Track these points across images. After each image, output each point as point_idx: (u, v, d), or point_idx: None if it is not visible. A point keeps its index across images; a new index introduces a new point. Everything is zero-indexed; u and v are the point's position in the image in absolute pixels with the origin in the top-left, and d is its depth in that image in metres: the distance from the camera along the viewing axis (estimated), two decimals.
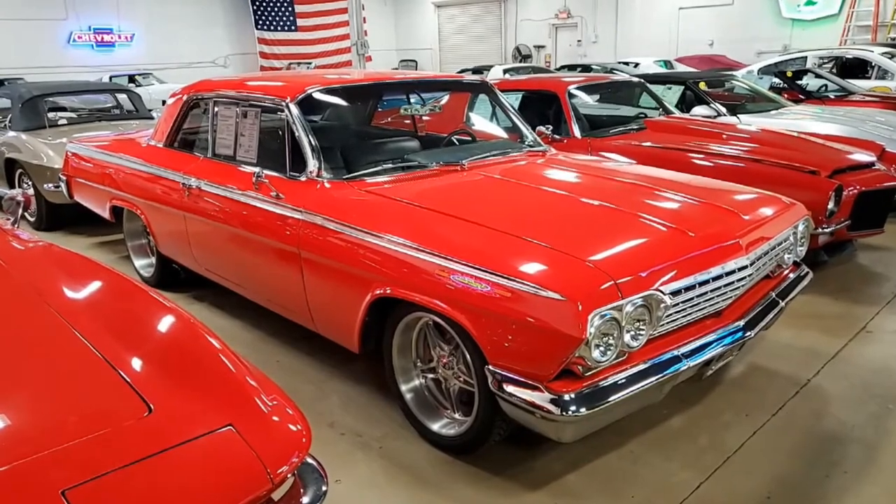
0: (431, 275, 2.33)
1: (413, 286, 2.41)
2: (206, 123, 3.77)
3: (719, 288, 2.39)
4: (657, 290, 2.16)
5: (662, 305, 2.16)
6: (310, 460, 1.59)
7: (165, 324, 1.95)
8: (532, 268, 2.15)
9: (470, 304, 2.21)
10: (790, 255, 2.90)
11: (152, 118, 6.73)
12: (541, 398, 2.07)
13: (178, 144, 4.08)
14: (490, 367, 2.19)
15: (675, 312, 2.27)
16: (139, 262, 4.61)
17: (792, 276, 2.96)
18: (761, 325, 2.57)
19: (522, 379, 2.12)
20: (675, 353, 2.28)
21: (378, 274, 2.53)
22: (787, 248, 2.85)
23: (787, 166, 4.16)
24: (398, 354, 2.69)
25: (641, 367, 2.19)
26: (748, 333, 2.48)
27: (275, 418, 1.54)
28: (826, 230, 3.93)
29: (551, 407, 2.04)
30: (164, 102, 4.33)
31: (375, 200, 2.83)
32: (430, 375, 2.67)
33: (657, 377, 2.20)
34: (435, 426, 2.62)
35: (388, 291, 2.50)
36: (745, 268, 2.45)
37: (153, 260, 4.44)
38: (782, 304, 2.75)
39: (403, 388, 2.71)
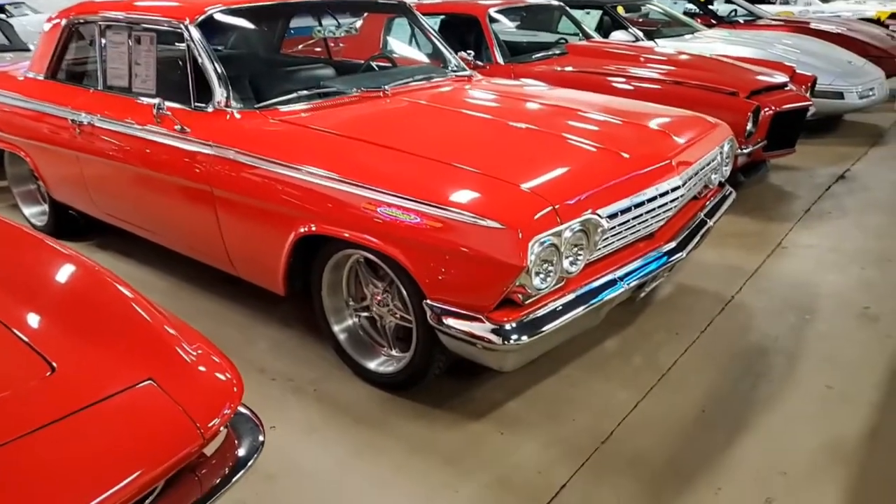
0: (358, 208, 2.18)
1: (340, 222, 2.26)
2: (94, 52, 3.37)
3: (654, 209, 2.37)
4: (595, 213, 2.11)
5: (600, 229, 2.12)
6: (243, 410, 1.48)
7: (65, 274, 1.75)
8: (466, 196, 2.05)
9: (403, 237, 2.09)
10: (716, 176, 2.93)
11: (29, 50, 6.01)
12: (482, 329, 2.01)
13: (62, 76, 3.65)
14: (428, 301, 2.11)
15: (612, 236, 2.24)
16: (29, 211, 4.18)
17: (717, 196, 3.00)
18: (692, 245, 2.59)
19: (462, 311, 2.04)
20: (612, 276, 2.27)
21: (300, 210, 2.36)
22: (715, 168, 2.87)
23: (706, 88, 4.20)
24: (328, 294, 2.56)
25: (580, 292, 2.16)
26: (680, 254, 2.50)
27: (200, 368, 1.41)
28: (744, 151, 4.03)
29: (493, 337, 1.99)
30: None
31: (292, 130, 2.63)
32: (364, 314, 2.56)
33: (595, 301, 2.18)
34: (371, 364, 2.53)
35: (313, 229, 2.34)
36: (677, 188, 2.44)
37: (45, 207, 4.03)
38: (710, 223, 2.78)
39: (336, 328, 2.59)
